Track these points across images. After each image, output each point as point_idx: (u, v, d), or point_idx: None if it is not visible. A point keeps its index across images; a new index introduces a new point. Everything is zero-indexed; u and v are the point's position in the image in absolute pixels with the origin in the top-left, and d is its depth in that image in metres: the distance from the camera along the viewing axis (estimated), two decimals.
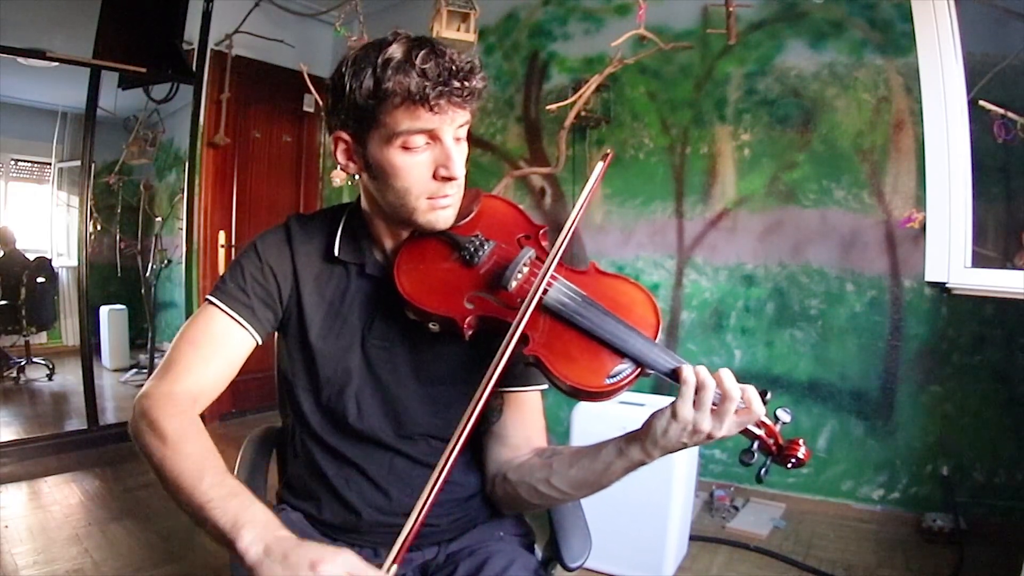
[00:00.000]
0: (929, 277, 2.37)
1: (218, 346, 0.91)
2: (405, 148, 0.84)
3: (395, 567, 0.70)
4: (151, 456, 0.80)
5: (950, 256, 2.31)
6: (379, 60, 0.81)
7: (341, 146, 0.90)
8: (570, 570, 0.99)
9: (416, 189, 0.87)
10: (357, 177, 0.93)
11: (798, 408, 2.66)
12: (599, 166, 0.93)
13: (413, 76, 0.80)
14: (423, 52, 0.81)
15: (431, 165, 0.86)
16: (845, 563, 2.18)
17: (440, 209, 0.89)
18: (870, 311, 2.56)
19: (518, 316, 0.80)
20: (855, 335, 2.59)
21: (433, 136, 0.85)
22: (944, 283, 2.35)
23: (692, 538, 2.29)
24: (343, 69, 0.85)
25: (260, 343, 0.95)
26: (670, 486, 2.03)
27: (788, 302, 2.71)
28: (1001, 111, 2.18)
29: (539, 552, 1.07)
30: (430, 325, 0.88)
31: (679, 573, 2.15)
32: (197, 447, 0.79)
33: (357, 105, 0.83)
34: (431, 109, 0.81)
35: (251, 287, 0.94)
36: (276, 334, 1.01)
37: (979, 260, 2.30)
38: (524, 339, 0.81)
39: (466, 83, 0.82)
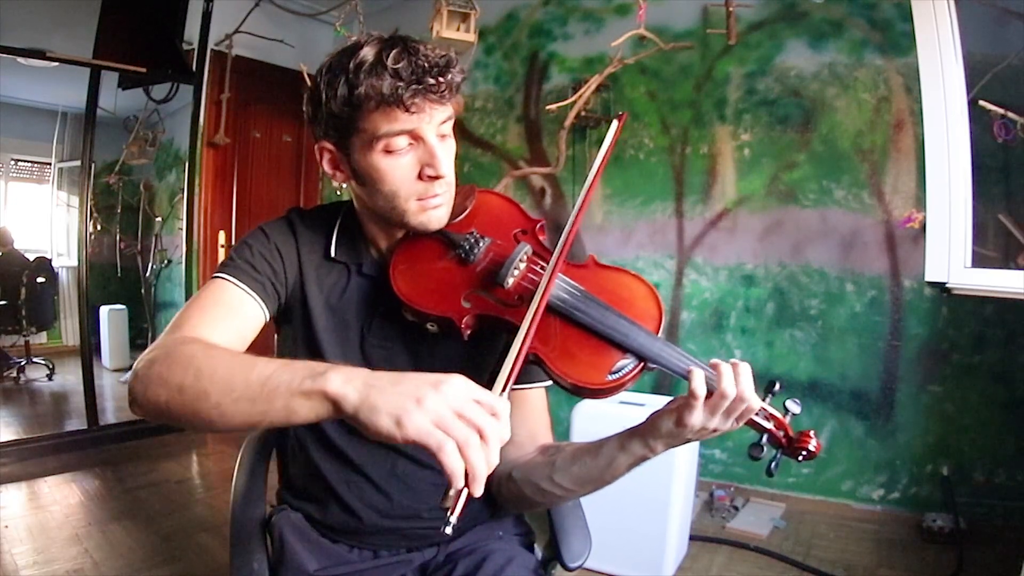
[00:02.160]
0: (929, 277, 2.36)
1: (230, 314, 0.86)
2: (387, 151, 0.83)
3: (506, 393, 0.67)
4: (183, 384, 0.69)
5: (950, 256, 2.30)
6: (351, 65, 0.79)
7: (326, 156, 0.89)
8: (570, 570, 0.99)
9: (404, 191, 0.85)
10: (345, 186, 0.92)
11: None
12: (613, 125, 0.90)
13: (386, 77, 0.78)
14: (395, 52, 0.79)
15: (416, 166, 0.84)
16: (845, 563, 2.18)
17: (431, 209, 0.87)
18: (870, 311, 2.56)
19: (524, 323, 0.77)
20: (855, 335, 2.59)
21: (415, 136, 0.83)
22: (944, 283, 2.34)
23: (692, 538, 2.29)
24: (318, 78, 0.84)
25: (267, 320, 0.92)
26: (670, 486, 2.03)
27: (788, 302, 2.71)
28: (1001, 111, 2.17)
29: (539, 552, 1.07)
30: (428, 325, 0.87)
31: (679, 573, 2.15)
32: (226, 350, 0.74)
33: (334, 113, 0.82)
34: (407, 109, 0.79)
35: (260, 264, 0.91)
36: (276, 327, 1.00)
37: (979, 260, 2.30)
38: None
39: (441, 79, 0.80)
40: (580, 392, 0.80)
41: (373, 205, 0.90)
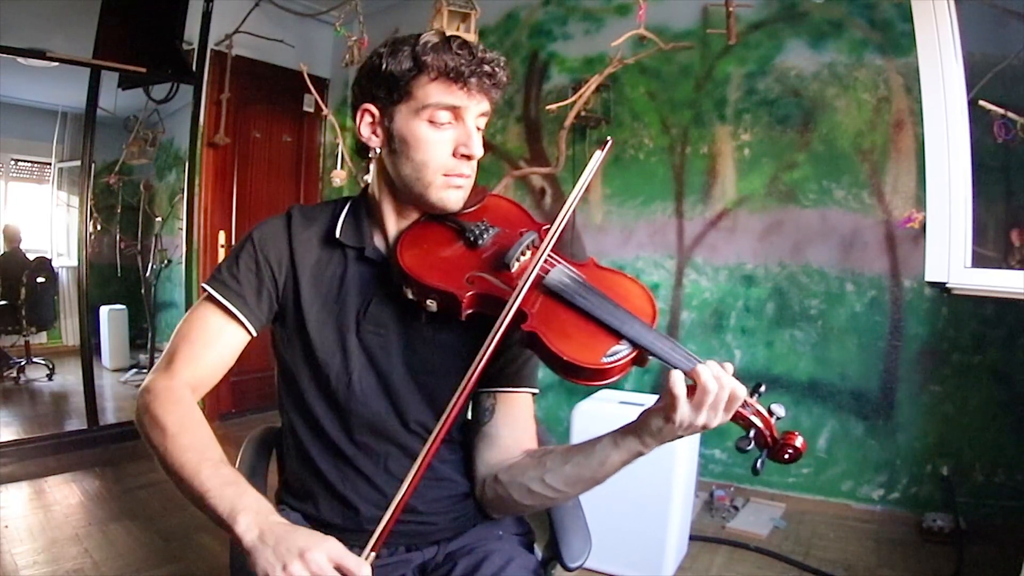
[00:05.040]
0: (929, 277, 2.36)
1: (213, 340, 0.94)
2: (431, 122, 0.89)
3: (373, 555, 0.74)
4: (155, 448, 0.84)
5: (950, 256, 2.30)
6: (418, 42, 0.88)
7: (367, 118, 0.94)
8: (570, 570, 0.99)
9: (435, 163, 0.91)
10: (376, 151, 0.95)
11: (798, 408, 2.66)
12: (598, 155, 0.93)
13: (451, 54, 0.87)
14: (458, 42, 0.89)
15: (452, 143, 0.91)
16: (845, 563, 2.18)
17: (453, 188, 0.93)
18: (870, 311, 2.56)
19: (518, 285, 0.82)
20: (855, 335, 2.59)
21: (457, 115, 0.90)
22: (944, 283, 2.34)
23: (692, 538, 2.29)
24: (380, 50, 0.91)
25: (255, 335, 0.96)
26: (670, 486, 2.03)
27: (788, 302, 2.71)
28: (1001, 111, 2.17)
29: (539, 552, 1.07)
30: (428, 302, 0.89)
31: (679, 573, 2.15)
32: (195, 438, 0.83)
33: (393, 76, 0.89)
34: (464, 86, 0.88)
35: (245, 277, 0.95)
36: (274, 326, 1.01)
37: (979, 260, 2.30)
38: (522, 316, 0.82)
39: (498, 69, 0.90)
40: (574, 371, 0.81)
41: (397, 175, 0.93)
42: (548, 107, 2.71)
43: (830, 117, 2.62)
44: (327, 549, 0.72)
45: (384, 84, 0.90)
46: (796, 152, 2.69)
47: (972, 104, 2.23)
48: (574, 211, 0.91)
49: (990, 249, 2.34)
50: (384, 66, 0.89)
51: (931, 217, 2.31)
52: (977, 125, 2.23)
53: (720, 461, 2.80)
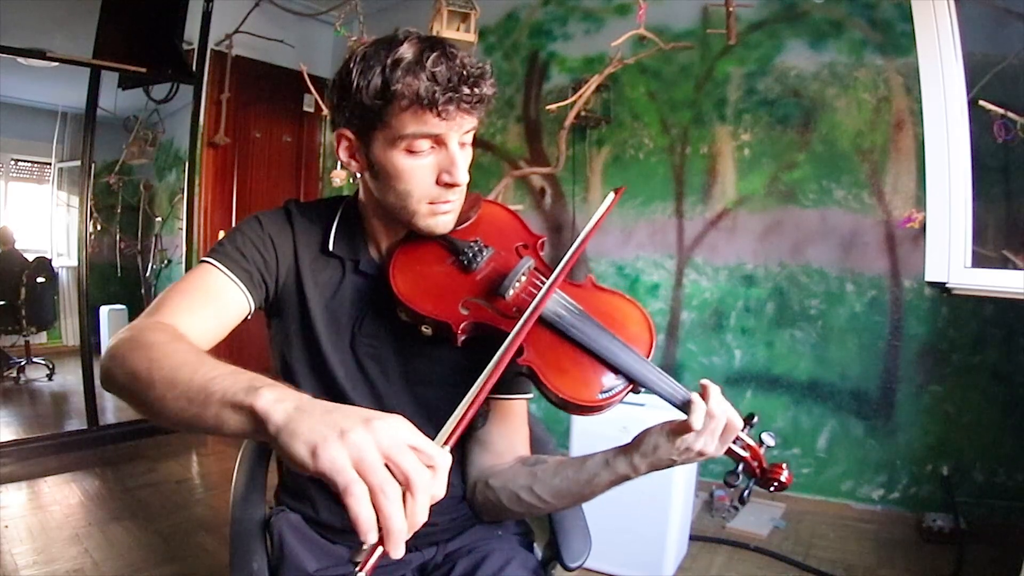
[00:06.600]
0: (929, 277, 2.36)
1: (210, 299, 0.85)
2: (409, 151, 0.82)
3: (448, 446, 0.59)
4: (136, 371, 0.67)
5: (950, 256, 2.30)
6: (389, 60, 0.79)
7: (344, 143, 0.88)
8: (570, 570, 0.99)
9: (418, 193, 0.85)
10: (359, 176, 0.91)
11: (798, 408, 2.66)
12: (610, 196, 0.93)
13: (423, 79, 0.77)
14: (434, 55, 0.78)
15: (435, 170, 0.84)
16: (845, 563, 2.18)
17: (441, 215, 0.87)
18: (870, 311, 2.56)
19: (516, 327, 0.78)
20: (855, 335, 2.59)
21: (438, 141, 0.83)
22: (944, 283, 2.34)
23: (692, 538, 2.29)
24: (351, 65, 0.82)
25: (252, 311, 0.90)
26: (670, 486, 2.03)
27: (788, 302, 2.71)
28: (1001, 111, 2.17)
29: (539, 552, 1.07)
30: (422, 328, 0.87)
31: (679, 573, 2.15)
32: (192, 347, 0.71)
33: (363, 104, 0.81)
34: (439, 114, 0.79)
35: (250, 252, 0.90)
36: (267, 320, 0.98)
37: (979, 260, 2.29)
38: (519, 350, 0.80)
39: (476, 89, 0.80)
40: (568, 407, 0.81)
41: (383, 200, 0.89)
42: (548, 107, 2.71)
43: (830, 117, 2.62)
44: (397, 425, 0.54)
45: (356, 111, 0.82)
46: (796, 152, 2.69)
47: (972, 104, 2.22)
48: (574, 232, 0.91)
49: (990, 249, 2.34)
50: (355, 88, 0.81)
51: (931, 217, 2.31)
52: (977, 125, 2.23)
53: (720, 461, 2.79)
